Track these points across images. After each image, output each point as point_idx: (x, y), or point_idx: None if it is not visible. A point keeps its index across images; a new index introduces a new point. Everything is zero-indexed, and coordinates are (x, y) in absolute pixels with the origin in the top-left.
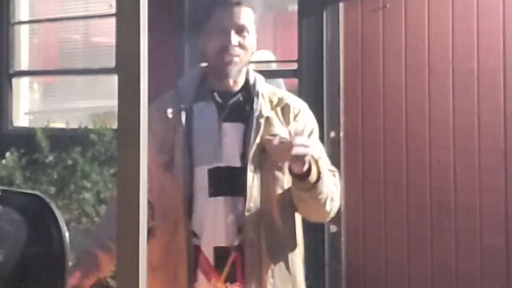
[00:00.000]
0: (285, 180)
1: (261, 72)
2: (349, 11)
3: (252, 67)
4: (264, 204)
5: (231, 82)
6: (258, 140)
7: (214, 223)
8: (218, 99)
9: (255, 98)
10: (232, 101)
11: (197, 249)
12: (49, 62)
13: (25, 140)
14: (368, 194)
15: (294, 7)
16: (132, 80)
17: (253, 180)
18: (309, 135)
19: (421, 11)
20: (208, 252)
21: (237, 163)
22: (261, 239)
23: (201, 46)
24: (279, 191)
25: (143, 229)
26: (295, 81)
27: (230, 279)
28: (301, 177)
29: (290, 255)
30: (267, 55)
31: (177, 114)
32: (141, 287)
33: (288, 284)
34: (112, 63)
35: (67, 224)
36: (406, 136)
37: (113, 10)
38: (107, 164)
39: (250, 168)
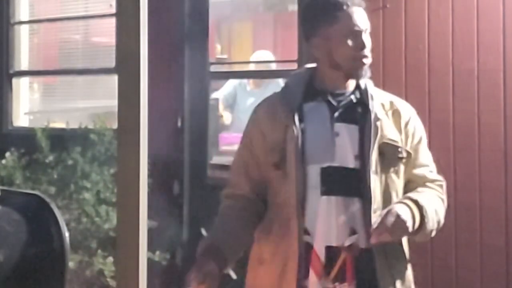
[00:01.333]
0: (400, 184)
1: (260, 72)
2: None
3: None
4: (385, 207)
5: (345, 84)
6: (377, 143)
7: (326, 222)
8: (331, 99)
9: (370, 101)
10: (344, 102)
11: (310, 246)
12: (49, 62)
13: (25, 140)
14: None
15: (294, 7)
16: (132, 80)
17: (375, 183)
18: (417, 143)
19: (421, 11)
20: (319, 250)
21: (350, 164)
22: (387, 243)
23: (321, 48)
24: (394, 194)
25: (143, 229)
26: None
27: (339, 279)
28: None
29: (406, 259)
30: (266, 55)
31: (288, 113)
32: (141, 287)
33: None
34: (112, 63)
35: (67, 224)
36: None
37: (113, 10)
38: (107, 164)
39: (372, 170)
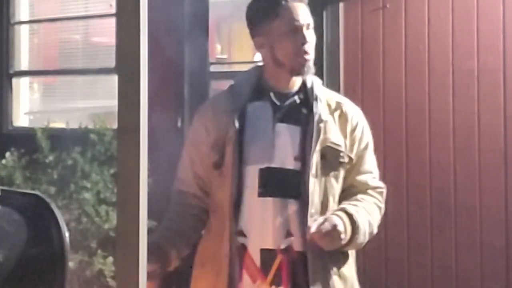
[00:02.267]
0: (338, 189)
1: None
2: (349, 11)
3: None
4: (323, 210)
5: (289, 82)
6: (318, 145)
7: (261, 224)
8: (274, 99)
9: (315, 102)
10: (288, 102)
11: (244, 249)
12: (49, 62)
13: (25, 140)
14: None
15: None
16: (132, 80)
17: (314, 186)
18: (363, 149)
19: (421, 11)
20: (254, 253)
21: (290, 165)
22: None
23: (265, 45)
24: (331, 198)
25: (143, 229)
26: None
27: (276, 282)
28: None
29: (347, 260)
30: None
31: (230, 113)
32: (141, 287)
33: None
34: (112, 63)
35: (67, 224)
36: (406, 136)
37: (113, 10)
38: (107, 164)
39: (311, 173)
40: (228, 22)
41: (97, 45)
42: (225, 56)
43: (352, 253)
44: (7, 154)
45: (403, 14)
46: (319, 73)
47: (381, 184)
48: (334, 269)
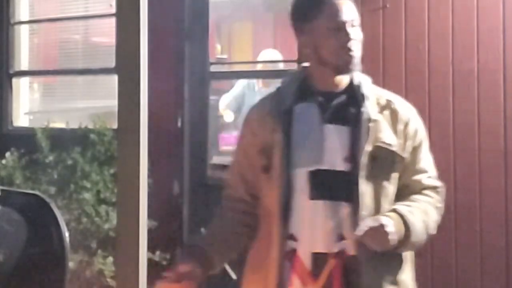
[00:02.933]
0: (392, 190)
1: (261, 72)
2: None
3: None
4: (375, 213)
5: (336, 82)
6: (369, 146)
7: (313, 227)
8: (321, 99)
9: (363, 101)
10: (335, 102)
11: (294, 252)
12: (49, 62)
13: (25, 140)
14: None
15: None
16: (132, 80)
17: (365, 188)
18: (417, 147)
19: (421, 11)
20: (305, 257)
21: (340, 167)
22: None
23: (309, 45)
24: (385, 200)
25: (143, 229)
26: None
27: (327, 287)
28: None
29: (402, 265)
30: (273, 54)
31: (275, 116)
32: (141, 287)
33: None
34: (112, 63)
35: (67, 224)
36: None
37: (113, 10)
38: (107, 164)
39: (361, 175)
40: (228, 22)
41: (97, 45)
42: (225, 56)
43: (408, 258)
44: (7, 154)
45: (403, 14)
46: None
47: (438, 183)
48: (388, 274)
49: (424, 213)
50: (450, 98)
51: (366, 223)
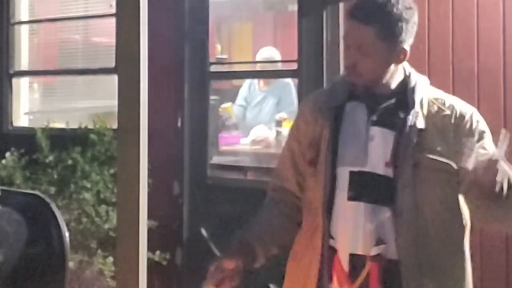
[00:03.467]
0: (437, 197)
1: (261, 72)
2: None
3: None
4: (417, 220)
5: (383, 83)
6: (412, 154)
7: (351, 229)
8: (370, 100)
9: (412, 107)
10: (384, 104)
11: (334, 251)
12: (49, 62)
13: (25, 140)
14: None
15: (294, 7)
16: (132, 80)
17: (405, 195)
18: (479, 140)
19: (421, 11)
20: (343, 257)
21: (381, 171)
22: (417, 255)
23: None
24: (429, 208)
25: (143, 229)
26: (295, 81)
27: None
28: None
29: (452, 273)
30: (272, 51)
31: (326, 112)
32: (141, 287)
33: None
34: (112, 63)
35: (67, 224)
36: None
37: (113, 10)
38: (107, 164)
39: (403, 182)
40: (228, 22)
41: (97, 45)
42: (225, 56)
43: (461, 272)
44: (7, 154)
45: None
46: (319, 73)
47: None
48: (431, 283)
49: None
50: None
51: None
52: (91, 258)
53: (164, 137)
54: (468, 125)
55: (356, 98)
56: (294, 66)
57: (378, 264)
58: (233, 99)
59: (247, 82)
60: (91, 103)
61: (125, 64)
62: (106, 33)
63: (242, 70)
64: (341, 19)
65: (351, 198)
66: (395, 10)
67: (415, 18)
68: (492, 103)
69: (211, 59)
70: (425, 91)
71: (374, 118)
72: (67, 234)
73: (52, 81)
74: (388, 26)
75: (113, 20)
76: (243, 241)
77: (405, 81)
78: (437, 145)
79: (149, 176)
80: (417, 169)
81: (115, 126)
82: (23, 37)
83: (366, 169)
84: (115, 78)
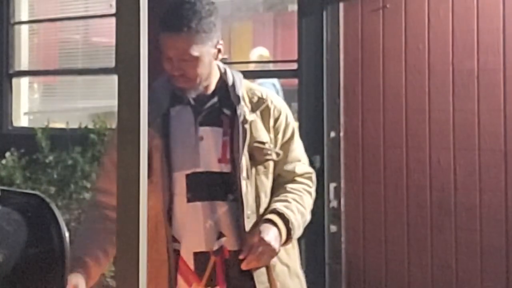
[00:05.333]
0: (269, 184)
1: (261, 72)
2: (349, 11)
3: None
4: (257, 208)
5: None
6: (246, 147)
7: (193, 229)
8: (193, 102)
9: (238, 103)
10: (208, 104)
11: (177, 254)
12: (49, 62)
13: (25, 140)
14: (368, 194)
15: (294, 7)
16: (132, 80)
17: (246, 188)
18: (289, 139)
19: (421, 11)
20: (188, 257)
21: (215, 168)
22: None
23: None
24: (263, 195)
25: (143, 229)
26: (295, 81)
27: (211, 283)
28: None
29: (287, 249)
30: (263, 51)
31: (153, 119)
32: (141, 287)
33: (294, 277)
34: (112, 63)
35: (67, 224)
36: (406, 136)
37: (113, 10)
38: None
39: (243, 176)
40: (228, 22)
41: (97, 45)
42: (225, 56)
43: (293, 243)
44: (7, 154)
45: (403, 14)
46: (319, 73)
47: (309, 169)
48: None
49: (299, 203)
50: (450, 98)
51: (249, 247)
52: None
53: None
54: (283, 122)
55: (179, 102)
56: (294, 66)
57: (221, 257)
58: None
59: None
60: (91, 103)
61: (125, 64)
62: (106, 33)
63: (242, 70)
64: (341, 19)
65: (189, 200)
66: (204, 11)
67: (217, 10)
68: (492, 103)
69: None
70: (243, 85)
71: (201, 118)
72: (67, 234)
73: (52, 81)
74: (203, 29)
75: (113, 20)
76: (81, 260)
77: (222, 78)
78: (264, 134)
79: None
80: (252, 160)
81: (115, 126)
82: (23, 37)
83: (200, 169)
84: (115, 78)
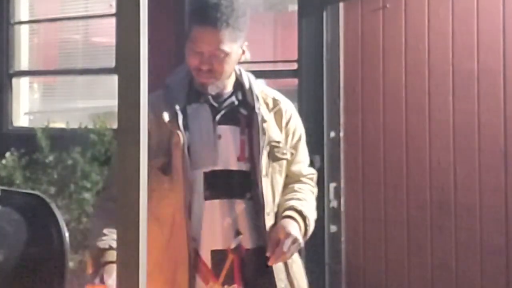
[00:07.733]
0: (281, 182)
1: (260, 72)
2: (349, 11)
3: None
4: (274, 206)
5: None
6: (265, 146)
7: (211, 227)
8: (211, 101)
9: (256, 102)
10: (226, 103)
11: (195, 252)
12: (49, 62)
13: (25, 140)
14: (368, 194)
15: (294, 7)
16: (132, 80)
17: (266, 186)
18: (297, 141)
19: (421, 11)
20: (205, 256)
21: (234, 166)
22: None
23: (186, 52)
24: (277, 193)
25: (143, 229)
26: (295, 81)
27: (228, 281)
28: None
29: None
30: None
31: (172, 116)
32: (141, 287)
33: (305, 277)
34: (112, 63)
35: (67, 224)
36: (406, 136)
37: (113, 10)
38: (107, 164)
39: (263, 174)
40: None
41: (97, 45)
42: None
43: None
44: (7, 154)
45: (403, 14)
46: (319, 73)
47: (312, 170)
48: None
49: (308, 202)
50: (450, 98)
51: (276, 238)
52: None
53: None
54: (293, 124)
55: (195, 100)
56: (294, 66)
57: (239, 255)
58: None
59: None
60: (91, 103)
61: (125, 64)
62: (106, 33)
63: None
64: (341, 19)
65: (207, 197)
66: (240, 9)
67: (249, 11)
68: (492, 103)
69: None
70: (258, 87)
71: (219, 117)
72: (67, 234)
73: (52, 81)
74: (238, 27)
75: (113, 20)
76: None
77: (238, 78)
78: (278, 134)
79: None
80: (269, 159)
81: (115, 126)
82: (23, 37)
83: (218, 167)
84: (115, 78)
